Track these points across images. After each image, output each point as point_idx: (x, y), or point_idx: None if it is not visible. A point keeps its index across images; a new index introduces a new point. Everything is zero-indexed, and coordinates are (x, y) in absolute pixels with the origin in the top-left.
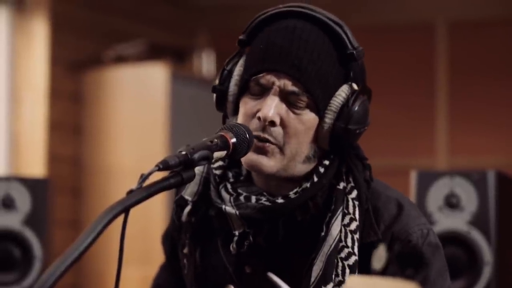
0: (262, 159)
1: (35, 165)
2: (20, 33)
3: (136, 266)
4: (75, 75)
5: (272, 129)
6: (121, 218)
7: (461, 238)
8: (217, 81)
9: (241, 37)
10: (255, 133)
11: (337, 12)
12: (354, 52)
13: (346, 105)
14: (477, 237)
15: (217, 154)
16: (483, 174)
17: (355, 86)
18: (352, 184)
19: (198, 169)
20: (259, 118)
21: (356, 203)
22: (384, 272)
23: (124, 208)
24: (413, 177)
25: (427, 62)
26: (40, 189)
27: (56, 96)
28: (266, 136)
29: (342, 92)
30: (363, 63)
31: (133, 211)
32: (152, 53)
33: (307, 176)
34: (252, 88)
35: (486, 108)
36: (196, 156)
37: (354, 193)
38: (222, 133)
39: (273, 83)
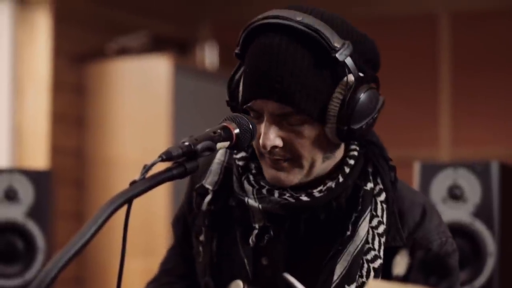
0: (280, 175)
1: (38, 157)
2: (23, 25)
3: (139, 259)
4: (78, 67)
5: (278, 150)
6: (124, 209)
7: (465, 230)
8: (227, 95)
9: (236, 51)
10: (265, 154)
11: (339, 3)
12: (337, 55)
13: (343, 106)
14: (481, 228)
15: (220, 145)
16: (487, 165)
17: (351, 80)
18: (381, 186)
19: (218, 159)
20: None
21: (384, 206)
22: (406, 278)
23: (127, 199)
24: (416, 168)
25: (430, 53)
26: (43, 181)
27: (59, 88)
28: (276, 157)
29: (337, 93)
30: (366, 47)
31: (136, 204)
32: (155, 45)
33: (332, 174)
34: (250, 113)
35: (489, 99)
36: (199, 146)
37: (383, 196)
38: (225, 124)
39: (263, 110)
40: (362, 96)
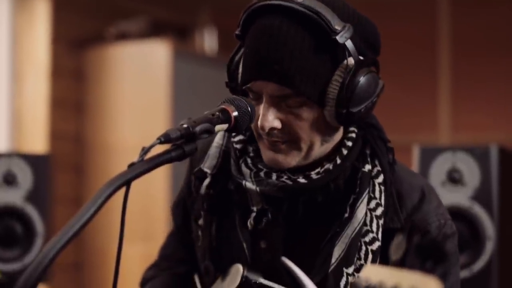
0: (278, 157)
1: (37, 143)
2: (22, 10)
3: (139, 244)
4: (77, 53)
5: (276, 132)
6: (122, 193)
7: (464, 213)
8: (227, 77)
9: (236, 32)
10: (263, 135)
11: None
12: (337, 37)
13: (342, 89)
14: (480, 212)
15: (218, 127)
16: (486, 149)
17: (351, 63)
18: (379, 168)
19: (217, 142)
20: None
21: (382, 188)
22: (402, 262)
23: (126, 181)
24: (415, 152)
25: (430, 38)
26: (42, 165)
27: (58, 74)
28: (274, 138)
29: (337, 76)
30: (367, 30)
31: (134, 189)
32: (154, 30)
33: (329, 156)
34: (249, 94)
35: (489, 85)
36: (197, 129)
37: (381, 178)
38: (224, 106)
39: (262, 91)
40: (362, 79)
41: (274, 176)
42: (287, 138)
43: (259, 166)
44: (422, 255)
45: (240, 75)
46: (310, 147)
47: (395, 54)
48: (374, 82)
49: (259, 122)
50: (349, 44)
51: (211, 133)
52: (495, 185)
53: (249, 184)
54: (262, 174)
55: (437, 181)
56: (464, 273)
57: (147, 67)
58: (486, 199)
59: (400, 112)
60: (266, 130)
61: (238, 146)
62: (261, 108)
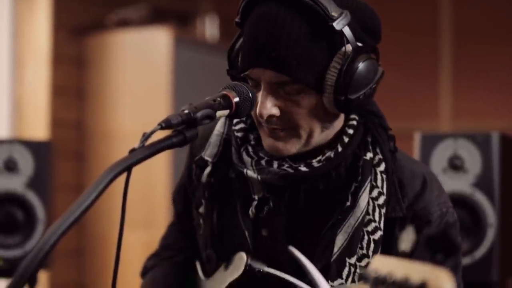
0: (278, 145)
1: (38, 130)
2: None
3: (140, 231)
4: (78, 40)
5: (275, 119)
6: (123, 179)
7: (465, 200)
8: (228, 64)
9: (236, 19)
10: (263, 123)
11: None
12: (334, 24)
13: (340, 76)
14: (481, 199)
15: (219, 113)
16: (487, 136)
17: (349, 49)
18: (380, 156)
19: (217, 130)
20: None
21: (384, 176)
22: (411, 254)
23: (127, 166)
24: (416, 139)
25: (431, 25)
26: (43, 151)
27: (59, 61)
28: (273, 126)
29: (335, 63)
30: (365, 16)
31: (136, 177)
32: (155, 17)
33: (331, 144)
34: (248, 81)
35: (490, 72)
36: (198, 114)
37: (382, 166)
38: (225, 92)
39: (260, 78)
40: (360, 66)
41: (275, 165)
42: (286, 126)
43: (260, 154)
44: (433, 247)
45: (239, 62)
46: (310, 134)
47: (396, 42)
48: (373, 68)
49: (257, 110)
50: (346, 30)
51: (212, 119)
52: (497, 172)
53: (250, 173)
54: (263, 162)
55: (438, 168)
56: (466, 260)
57: (148, 54)
58: (488, 186)
59: (402, 100)
60: (265, 118)
61: (239, 134)
62: (260, 96)
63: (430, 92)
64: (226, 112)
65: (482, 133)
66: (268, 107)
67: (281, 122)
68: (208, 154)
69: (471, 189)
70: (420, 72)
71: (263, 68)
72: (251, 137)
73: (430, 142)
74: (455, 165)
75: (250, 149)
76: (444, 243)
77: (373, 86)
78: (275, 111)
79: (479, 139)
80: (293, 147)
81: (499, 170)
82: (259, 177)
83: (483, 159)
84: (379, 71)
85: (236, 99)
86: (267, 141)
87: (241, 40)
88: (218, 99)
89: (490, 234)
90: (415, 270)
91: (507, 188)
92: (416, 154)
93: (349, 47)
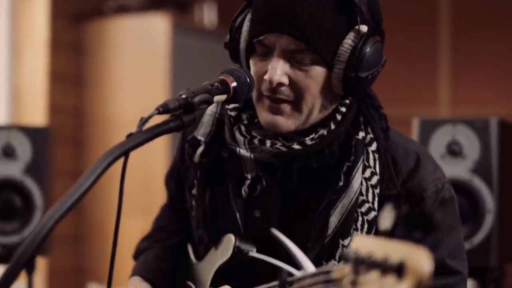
0: (278, 119)
1: (37, 117)
2: None
3: (138, 217)
4: (77, 26)
5: (283, 88)
6: (121, 164)
7: (464, 186)
8: (227, 37)
9: None
10: (266, 93)
11: None
12: None
13: (354, 52)
14: (479, 185)
15: (217, 98)
16: (486, 121)
17: (364, 29)
18: (371, 135)
19: (210, 110)
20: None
21: (376, 155)
22: (392, 233)
23: (124, 151)
24: (415, 124)
25: (430, 12)
26: (41, 138)
27: (58, 47)
28: (278, 95)
29: (349, 39)
30: (374, 1)
31: (133, 162)
32: (154, 4)
33: (324, 122)
34: (258, 48)
35: (489, 59)
36: (196, 99)
37: (374, 145)
38: (223, 77)
39: (275, 44)
40: (373, 46)
41: (268, 143)
42: (291, 97)
43: (253, 133)
44: (411, 225)
45: (245, 32)
46: (311, 111)
47: (396, 30)
48: (381, 52)
49: (267, 76)
50: (364, 9)
51: (210, 103)
52: (495, 158)
53: (243, 151)
54: (256, 141)
55: (436, 154)
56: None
57: (147, 40)
58: (486, 172)
59: (401, 87)
60: (275, 84)
61: (232, 113)
62: (270, 63)
63: (429, 79)
64: (224, 97)
65: (481, 119)
66: (279, 73)
67: (288, 92)
68: (201, 133)
69: (470, 175)
70: (420, 59)
71: (280, 34)
72: (244, 116)
73: (428, 128)
74: (454, 151)
75: (243, 128)
76: (421, 221)
77: (379, 69)
78: (285, 80)
79: (477, 124)
80: (293, 123)
81: (498, 156)
82: (252, 155)
83: (481, 145)
84: (384, 56)
85: (234, 84)
86: (265, 116)
87: (246, 12)
88: (216, 84)
89: (489, 220)
90: (394, 249)
91: (506, 174)
92: (414, 139)
93: (364, 27)
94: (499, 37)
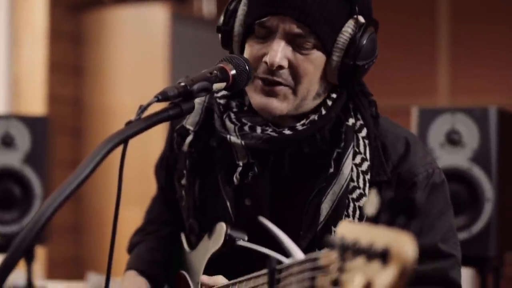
0: (272, 102)
1: (36, 106)
2: None
3: (136, 207)
4: (75, 16)
5: (281, 71)
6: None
7: (463, 175)
8: (221, 21)
9: None
10: (263, 75)
11: None
12: None
13: (353, 41)
14: (478, 173)
15: (216, 86)
16: (485, 110)
17: (361, 19)
18: (361, 121)
19: (199, 99)
20: (266, 63)
21: (366, 142)
22: (377, 219)
23: (123, 138)
24: (414, 113)
25: (429, 2)
26: (40, 127)
27: (56, 37)
28: (276, 78)
29: (348, 28)
30: None
31: (132, 153)
32: None
33: (315, 109)
34: (257, 31)
35: (488, 49)
36: (195, 87)
37: (364, 132)
38: (222, 65)
39: (278, 26)
40: (370, 37)
41: (258, 130)
42: (289, 81)
43: (243, 120)
44: (394, 211)
45: (244, 14)
46: (305, 97)
47: (394, 19)
48: (375, 43)
49: (268, 58)
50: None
51: (209, 91)
52: (494, 147)
53: (234, 138)
54: (246, 128)
55: (436, 142)
56: (463, 235)
57: (146, 30)
58: (485, 160)
59: (401, 78)
60: (275, 67)
61: (221, 101)
62: (273, 44)
63: (428, 69)
64: (223, 84)
65: (480, 108)
66: (280, 56)
67: (286, 76)
68: (189, 122)
69: (469, 163)
70: (419, 49)
71: (283, 16)
72: (233, 104)
73: (427, 117)
74: (453, 139)
75: (232, 115)
76: (405, 206)
77: (374, 60)
78: (285, 63)
79: (476, 113)
80: (286, 107)
81: (497, 144)
82: (243, 142)
83: (480, 133)
84: (377, 48)
85: (233, 72)
86: (258, 99)
87: None
88: (215, 71)
89: (488, 209)
90: (379, 235)
91: (505, 163)
92: (413, 128)
93: (361, 18)
94: (497, 28)
